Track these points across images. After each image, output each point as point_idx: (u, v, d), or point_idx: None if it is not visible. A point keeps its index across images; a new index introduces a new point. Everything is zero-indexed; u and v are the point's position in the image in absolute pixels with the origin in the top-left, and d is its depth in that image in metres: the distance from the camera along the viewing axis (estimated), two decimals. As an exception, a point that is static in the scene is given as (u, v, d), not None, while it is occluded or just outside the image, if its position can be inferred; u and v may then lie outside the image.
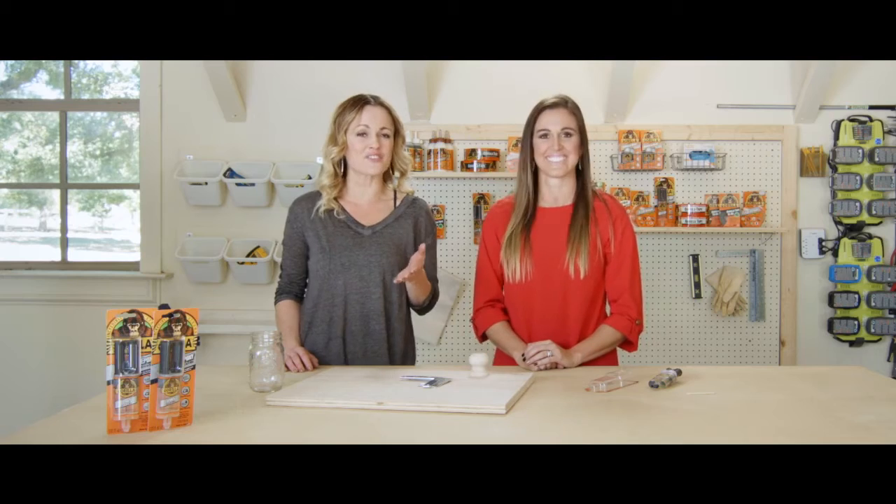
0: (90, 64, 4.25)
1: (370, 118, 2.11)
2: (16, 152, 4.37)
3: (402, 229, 2.19)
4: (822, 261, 3.77)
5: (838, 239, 3.73)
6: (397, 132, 2.18)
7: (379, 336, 2.14)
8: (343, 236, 2.15)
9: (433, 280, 2.23)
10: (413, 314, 2.28)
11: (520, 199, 2.18)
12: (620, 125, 3.77)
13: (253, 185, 3.71)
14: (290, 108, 3.84)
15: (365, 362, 2.14)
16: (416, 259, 1.99)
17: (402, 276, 2.00)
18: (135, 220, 4.38)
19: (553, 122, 2.11)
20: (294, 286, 2.24)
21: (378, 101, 2.14)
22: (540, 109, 2.15)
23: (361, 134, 2.10)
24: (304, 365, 2.02)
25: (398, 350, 2.19)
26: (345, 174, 2.20)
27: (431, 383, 1.74)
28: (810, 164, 3.73)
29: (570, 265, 2.10)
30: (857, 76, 3.76)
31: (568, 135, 2.11)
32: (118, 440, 1.35)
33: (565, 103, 2.15)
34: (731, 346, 3.77)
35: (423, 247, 2.02)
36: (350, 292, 2.13)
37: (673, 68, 3.78)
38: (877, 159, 3.66)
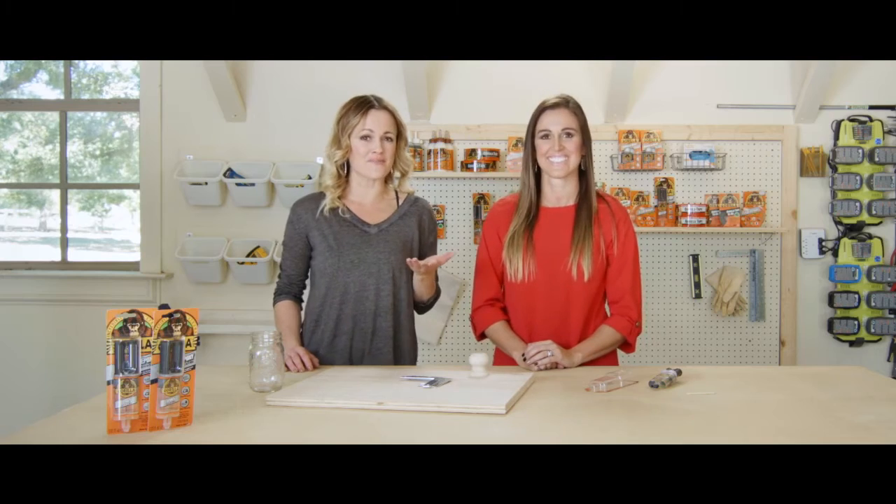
0: (90, 64, 4.25)
1: (374, 122, 2.11)
2: (16, 152, 4.37)
3: (408, 227, 2.20)
4: (822, 261, 3.77)
5: (838, 239, 3.73)
6: (400, 134, 2.18)
7: (385, 333, 2.15)
8: (350, 234, 2.15)
9: (435, 278, 2.24)
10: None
11: (522, 200, 2.18)
12: (620, 125, 3.77)
13: (253, 185, 3.71)
14: (290, 108, 3.84)
15: (370, 360, 2.14)
16: (441, 257, 2.03)
17: (418, 261, 2.02)
18: (135, 220, 4.38)
19: (554, 122, 2.11)
20: (293, 287, 2.25)
21: (382, 105, 2.14)
22: (541, 110, 2.15)
23: (365, 137, 2.11)
24: (304, 365, 2.02)
25: (404, 348, 2.20)
26: (347, 174, 2.20)
27: (431, 383, 1.74)
28: (810, 164, 3.73)
29: (574, 266, 2.10)
30: (857, 76, 3.76)
31: (569, 135, 2.11)
32: (118, 440, 1.35)
33: (566, 103, 2.14)
34: (731, 346, 3.77)
35: (450, 254, 2.07)
36: (359, 289, 2.14)
37: (673, 68, 3.78)
38: (877, 159, 3.66)
